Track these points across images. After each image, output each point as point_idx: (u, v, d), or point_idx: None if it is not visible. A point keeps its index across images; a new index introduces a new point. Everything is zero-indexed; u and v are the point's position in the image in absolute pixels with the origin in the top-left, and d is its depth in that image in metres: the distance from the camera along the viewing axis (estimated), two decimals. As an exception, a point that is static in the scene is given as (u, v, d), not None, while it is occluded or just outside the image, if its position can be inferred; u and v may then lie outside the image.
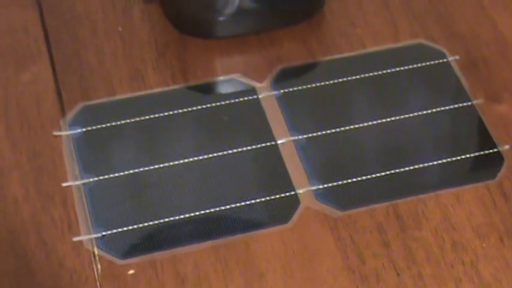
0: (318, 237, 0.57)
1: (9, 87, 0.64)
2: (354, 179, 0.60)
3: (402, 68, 0.66)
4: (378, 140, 0.62)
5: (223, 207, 0.58)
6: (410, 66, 0.66)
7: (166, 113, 0.63)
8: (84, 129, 0.62)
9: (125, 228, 0.57)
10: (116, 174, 0.60)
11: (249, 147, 0.61)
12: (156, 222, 0.58)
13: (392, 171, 0.60)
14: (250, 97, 0.64)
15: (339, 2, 0.69)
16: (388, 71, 0.66)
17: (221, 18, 0.65)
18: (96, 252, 0.56)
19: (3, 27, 0.68)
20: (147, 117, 0.63)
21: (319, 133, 0.62)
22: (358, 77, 0.65)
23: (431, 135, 0.63)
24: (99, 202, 0.59)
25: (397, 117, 0.63)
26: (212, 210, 0.58)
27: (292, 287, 0.55)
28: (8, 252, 0.56)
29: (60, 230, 0.57)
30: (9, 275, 0.55)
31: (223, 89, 0.65)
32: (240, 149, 0.61)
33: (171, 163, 0.60)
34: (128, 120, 0.63)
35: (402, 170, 0.60)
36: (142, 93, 0.64)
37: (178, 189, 0.60)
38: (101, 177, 0.60)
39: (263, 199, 0.59)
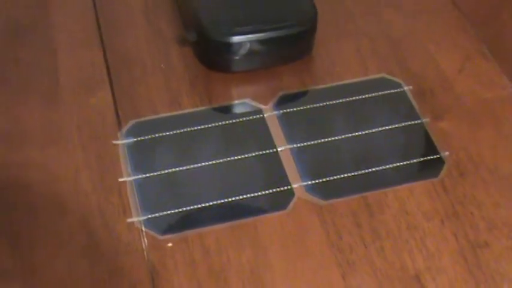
0: (308, 220, 0.58)
1: (81, 108, 0.64)
2: (335, 177, 0.60)
3: (370, 95, 0.66)
4: (352, 148, 0.62)
5: (237, 198, 0.59)
6: (376, 94, 0.66)
7: (195, 128, 0.63)
8: (135, 139, 0.62)
9: (164, 213, 0.58)
10: (158, 173, 0.60)
11: (256, 153, 0.62)
12: (187, 208, 0.58)
13: (363, 171, 0.61)
14: (257, 116, 0.64)
15: (324, 48, 0.69)
16: (360, 97, 0.65)
17: (236, 58, 0.65)
18: (143, 230, 0.57)
19: (76, 62, 0.67)
20: (181, 130, 0.63)
21: (309, 142, 0.62)
22: (338, 101, 0.65)
23: (391, 144, 0.63)
24: (145, 193, 0.59)
25: (366, 131, 0.63)
26: (229, 199, 0.59)
27: (289, 258, 0.55)
28: (81, 231, 0.56)
29: (117, 213, 0.57)
30: (82, 248, 0.56)
31: (238, 109, 0.65)
32: (249, 155, 0.62)
33: (199, 165, 0.61)
34: (167, 133, 0.63)
35: (370, 170, 0.61)
36: (178, 113, 0.64)
37: (204, 184, 0.60)
38: (147, 175, 0.60)
39: (267, 192, 0.59)
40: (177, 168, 0.60)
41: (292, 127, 0.64)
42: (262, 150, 0.62)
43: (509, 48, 0.69)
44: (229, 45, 0.64)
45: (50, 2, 0.73)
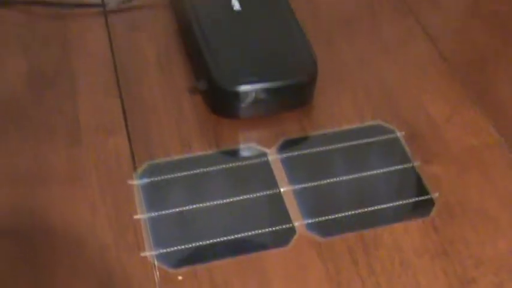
0: (308, 256, 0.58)
1: (100, 150, 0.64)
2: (334, 216, 0.60)
3: (366, 141, 0.66)
4: (350, 189, 0.62)
5: (243, 234, 0.59)
6: (371, 139, 0.66)
7: (205, 169, 0.63)
8: (149, 180, 0.62)
9: (175, 248, 0.58)
10: (170, 211, 0.60)
11: (261, 194, 0.62)
12: (196, 244, 0.58)
13: (360, 211, 0.61)
14: (262, 159, 0.64)
15: (323, 97, 0.69)
16: (357, 142, 0.66)
17: (243, 106, 0.65)
18: (156, 264, 0.57)
19: (95, 108, 0.68)
20: (191, 172, 0.63)
21: (310, 184, 0.63)
22: (336, 146, 0.65)
23: (385, 186, 0.63)
24: (158, 229, 0.59)
25: (363, 174, 0.63)
26: (235, 236, 0.59)
27: None
28: (98, 263, 0.56)
29: (132, 248, 0.58)
30: (99, 280, 0.56)
31: (244, 153, 0.65)
32: (254, 195, 0.62)
33: (208, 204, 0.61)
34: (179, 174, 0.63)
35: (366, 210, 0.61)
36: (189, 155, 0.64)
37: (212, 222, 0.60)
38: (160, 213, 0.60)
39: (270, 229, 0.59)
40: (188, 207, 0.61)
41: (294, 169, 0.64)
42: (266, 191, 0.62)
43: (494, 98, 0.70)
44: (236, 94, 0.65)
45: (73, 53, 0.74)
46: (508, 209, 0.61)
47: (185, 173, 0.63)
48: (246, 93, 0.65)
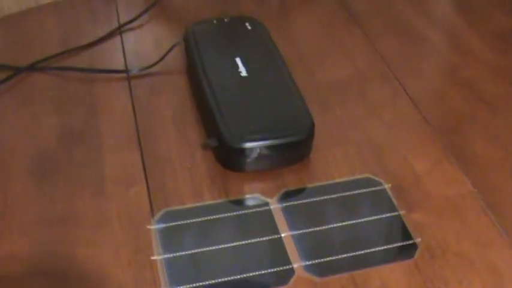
0: None
1: (122, 199, 0.65)
2: (328, 258, 0.60)
3: (357, 192, 0.66)
4: (342, 234, 0.62)
5: (247, 274, 0.59)
6: (362, 191, 0.66)
7: (214, 216, 0.64)
8: (165, 225, 0.63)
9: (188, 286, 0.58)
10: (183, 253, 0.60)
11: (264, 238, 0.62)
12: (206, 282, 0.58)
13: (352, 254, 0.60)
14: (265, 208, 0.65)
15: (319, 152, 0.70)
16: (348, 193, 0.66)
17: (248, 160, 0.66)
18: None
19: (118, 161, 0.68)
20: (203, 218, 0.63)
21: (307, 230, 0.63)
22: (330, 196, 0.66)
23: (374, 232, 0.63)
24: (173, 269, 0.59)
25: (354, 221, 0.63)
26: (241, 276, 0.59)
27: None
28: None
29: (150, 285, 0.58)
30: None
31: (249, 202, 0.65)
32: (258, 239, 0.62)
33: (217, 247, 0.61)
34: (192, 220, 0.63)
35: (357, 253, 0.61)
36: (200, 204, 0.65)
37: (221, 263, 0.60)
38: (175, 254, 0.60)
39: (271, 270, 0.59)
40: (199, 250, 0.61)
41: (293, 217, 0.64)
42: (268, 236, 0.62)
43: (469, 156, 0.70)
44: (243, 151, 0.65)
45: (99, 113, 0.75)
46: (482, 250, 0.61)
47: (197, 219, 0.63)
48: (251, 149, 0.65)
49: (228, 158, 0.68)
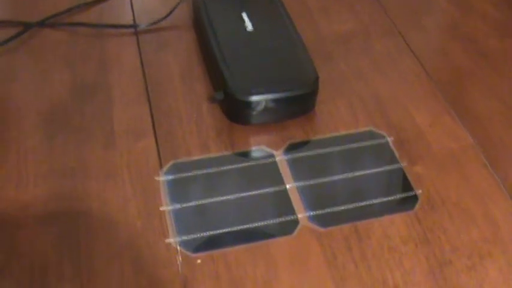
0: (309, 244, 0.57)
1: (131, 151, 0.64)
2: (332, 209, 0.60)
3: (360, 144, 0.65)
4: (346, 186, 0.62)
5: (254, 224, 0.58)
6: (365, 143, 0.65)
7: (221, 168, 0.63)
8: (173, 177, 0.62)
9: (195, 235, 0.58)
10: (191, 204, 0.60)
11: (269, 189, 0.61)
12: (213, 232, 0.58)
13: (354, 205, 0.60)
14: (270, 160, 0.64)
15: (324, 105, 0.69)
16: (352, 146, 0.65)
17: (254, 113, 0.65)
18: (178, 249, 0.57)
19: (127, 114, 0.67)
20: (209, 170, 0.63)
21: (311, 181, 0.62)
22: (334, 148, 0.65)
23: (376, 184, 0.62)
24: (181, 220, 0.59)
25: (357, 173, 0.63)
26: (247, 226, 0.58)
27: (294, 273, 0.55)
28: (129, 248, 0.56)
29: (158, 235, 0.57)
30: (130, 262, 0.55)
31: (255, 154, 0.64)
32: (263, 191, 0.61)
33: (223, 198, 0.60)
34: (199, 172, 0.62)
35: (360, 204, 0.60)
36: (207, 156, 0.64)
37: (227, 213, 0.59)
38: (182, 205, 0.60)
39: (277, 220, 0.59)
40: (206, 200, 0.60)
41: (298, 169, 0.63)
42: (273, 187, 0.62)
43: (469, 109, 0.69)
44: (249, 104, 0.64)
45: (108, 67, 0.73)
46: (480, 202, 0.60)
47: (204, 171, 0.63)
48: (257, 102, 0.64)
49: (234, 111, 0.67)
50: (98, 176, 0.62)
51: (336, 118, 0.68)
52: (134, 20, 0.80)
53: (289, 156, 0.64)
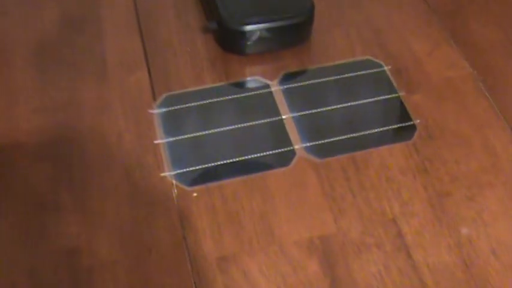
0: (306, 175, 0.56)
1: (123, 84, 0.63)
2: (329, 140, 0.59)
3: (357, 74, 0.64)
4: (343, 116, 0.60)
5: (249, 156, 0.57)
6: (362, 72, 0.64)
7: (215, 100, 0.61)
8: (167, 109, 0.61)
9: (191, 168, 0.56)
10: (185, 136, 0.59)
11: (264, 120, 0.60)
12: (209, 165, 0.57)
13: (352, 135, 0.59)
14: (265, 90, 0.62)
15: (319, 35, 0.67)
16: (349, 75, 0.64)
17: (248, 43, 0.63)
18: (174, 182, 0.55)
19: (120, 47, 0.66)
20: (204, 102, 0.61)
21: (307, 112, 0.61)
22: (331, 78, 0.63)
23: (374, 114, 0.61)
24: (175, 153, 0.57)
25: (354, 103, 0.61)
26: (242, 158, 0.57)
27: (291, 205, 0.54)
28: (124, 181, 0.55)
29: (153, 169, 0.56)
30: (126, 195, 0.55)
31: (250, 85, 0.63)
32: (259, 122, 0.60)
33: (218, 130, 0.59)
34: (193, 104, 0.61)
35: (357, 134, 0.59)
36: (201, 87, 0.62)
37: (222, 145, 0.58)
38: (177, 138, 0.59)
39: (273, 151, 0.58)
40: (201, 133, 0.59)
41: (294, 99, 0.62)
42: (269, 118, 0.60)
43: (467, 38, 0.67)
44: (243, 33, 0.63)
45: None
46: (479, 132, 0.59)
47: (198, 103, 0.61)
48: (252, 32, 0.63)
49: (228, 41, 0.65)
50: (91, 110, 0.60)
51: (332, 47, 0.66)
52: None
53: (285, 86, 0.63)
